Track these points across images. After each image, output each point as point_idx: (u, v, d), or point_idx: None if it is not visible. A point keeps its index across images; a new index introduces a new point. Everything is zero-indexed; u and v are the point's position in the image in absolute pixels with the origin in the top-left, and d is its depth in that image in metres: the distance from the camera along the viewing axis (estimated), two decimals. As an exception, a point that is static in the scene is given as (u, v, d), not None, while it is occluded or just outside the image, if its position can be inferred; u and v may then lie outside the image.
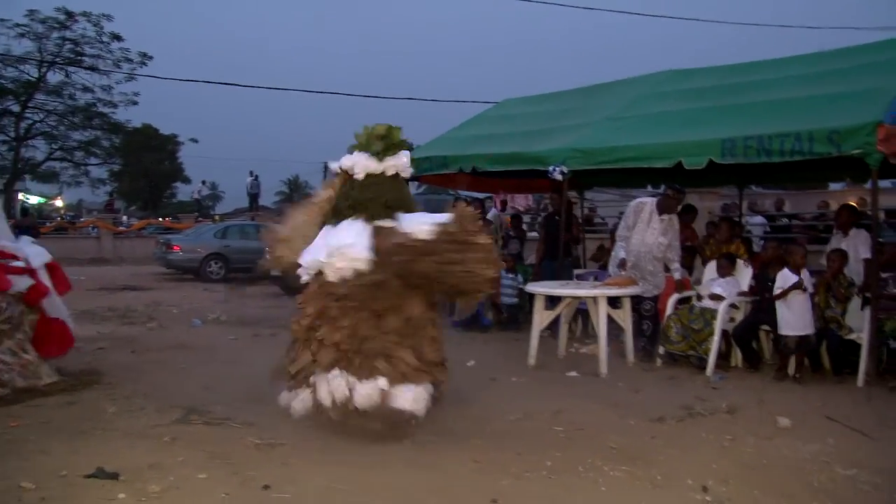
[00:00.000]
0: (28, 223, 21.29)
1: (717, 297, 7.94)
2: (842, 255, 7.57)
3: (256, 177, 36.04)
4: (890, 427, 5.68)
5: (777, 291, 7.35)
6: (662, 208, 8.34)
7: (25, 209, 26.47)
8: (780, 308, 7.33)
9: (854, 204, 10.40)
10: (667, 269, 8.39)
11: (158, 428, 5.33)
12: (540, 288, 8.18)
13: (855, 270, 7.79)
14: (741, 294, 8.01)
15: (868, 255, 7.59)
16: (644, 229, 8.30)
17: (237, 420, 5.52)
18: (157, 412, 5.74)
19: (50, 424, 5.44)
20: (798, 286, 7.22)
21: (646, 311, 8.32)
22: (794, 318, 7.31)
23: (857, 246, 7.93)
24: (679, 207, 8.65)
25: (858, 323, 7.18)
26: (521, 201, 16.99)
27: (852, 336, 7.20)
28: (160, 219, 39.55)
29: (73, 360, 7.34)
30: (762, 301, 7.80)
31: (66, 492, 4.11)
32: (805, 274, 7.33)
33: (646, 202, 8.49)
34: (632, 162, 8.51)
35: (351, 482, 4.31)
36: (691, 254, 9.44)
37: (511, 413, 5.92)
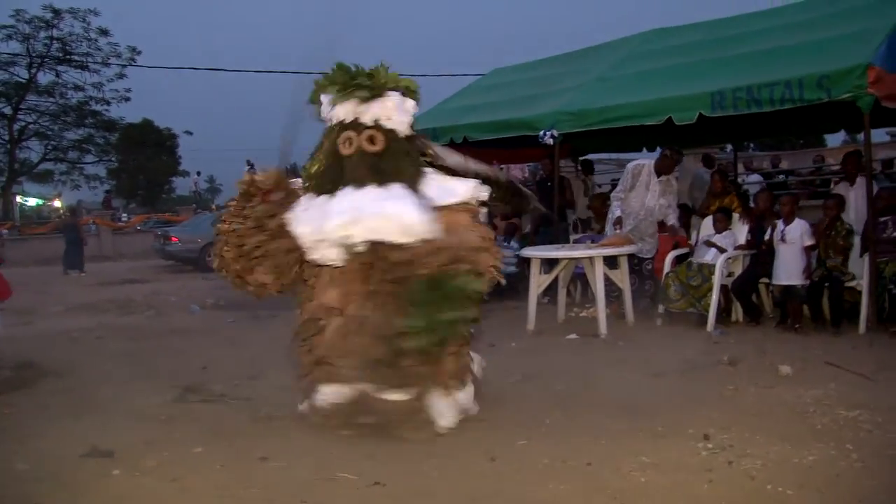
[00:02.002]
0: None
1: (713, 245, 7.90)
2: (837, 202, 7.48)
3: (252, 166, 35.86)
4: (890, 369, 5.66)
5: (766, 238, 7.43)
6: (660, 169, 8.31)
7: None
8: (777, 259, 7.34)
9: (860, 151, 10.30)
10: (661, 227, 8.36)
11: (155, 408, 5.32)
12: (535, 252, 8.14)
13: (863, 218, 7.69)
14: (738, 248, 7.95)
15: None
16: (644, 192, 8.31)
17: (234, 396, 5.50)
18: (153, 393, 5.71)
19: (46, 409, 5.43)
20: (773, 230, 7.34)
21: (647, 271, 8.29)
22: (780, 268, 7.38)
23: (865, 195, 7.83)
24: (676, 169, 8.59)
25: (860, 270, 7.14)
26: (516, 173, 16.95)
27: (853, 283, 7.15)
28: (159, 214, 39.51)
29: (70, 349, 7.32)
30: (760, 253, 7.75)
31: (61, 471, 4.09)
32: (796, 225, 7.30)
33: (643, 164, 8.48)
34: (622, 121, 8.48)
35: (349, 449, 4.29)
36: (687, 212, 9.38)
37: (510, 376, 5.89)
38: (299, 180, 4.92)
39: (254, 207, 4.72)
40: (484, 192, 4.80)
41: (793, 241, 7.29)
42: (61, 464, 4.20)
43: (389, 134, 4.69)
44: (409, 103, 4.85)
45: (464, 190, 4.73)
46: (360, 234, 4.39)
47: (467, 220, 4.66)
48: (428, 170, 4.82)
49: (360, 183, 4.54)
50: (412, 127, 4.89)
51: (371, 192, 4.51)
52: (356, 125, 4.68)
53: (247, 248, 4.69)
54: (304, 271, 4.79)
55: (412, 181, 4.63)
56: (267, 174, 4.82)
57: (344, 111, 4.72)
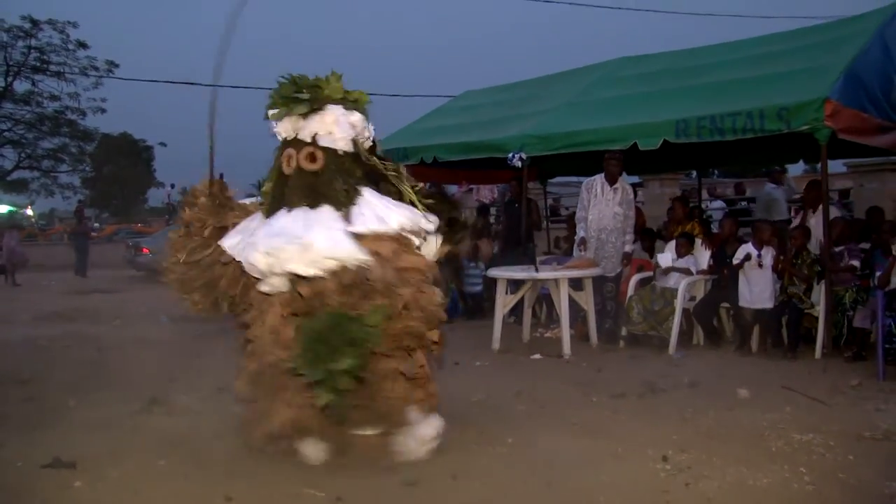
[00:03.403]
0: None
1: (676, 270, 8.06)
2: (804, 233, 7.65)
3: (222, 177, 35.67)
4: (844, 394, 5.83)
5: (734, 263, 7.54)
6: (608, 176, 8.47)
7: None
8: (741, 282, 7.50)
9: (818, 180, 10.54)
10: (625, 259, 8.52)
11: (119, 419, 5.31)
12: (501, 272, 8.24)
13: (814, 246, 7.88)
14: (700, 272, 8.11)
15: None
16: (600, 203, 8.42)
17: (200, 409, 5.51)
18: (118, 404, 5.70)
19: (9, 419, 5.41)
20: (748, 258, 7.43)
21: (608, 293, 8.41)
22: (752, 291, 7.49)
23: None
24: (622, 172, 8.72)
25: (819, 297, 7.32)
26: (486, 194, 17.05)
27: (813, 310, 7.33)
28: (131, 224, 39.25)
29: (36, 358, 7.27)
30: (721, 278, 7.91)
31: (21, 482, 4.11)
32: (767, 250, 7.47)
33: (594, 178, 8.63)
34: (588, 146, 8.60)
35: (314, 465, 4.29)
36: (651, 236, 9.55)
37: (473, 394, 5.96)
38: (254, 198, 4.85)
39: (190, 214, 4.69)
40: (427, 224, 4.51)
41: (767, 265, 7.46)
42: (22, 474, 4.20)
43: (328, 151, 4.42)
44: (355, 116, 4.54)
45: (399, 218, 4.35)
46: (276, 264, 4.12)
47: (392, 250, 4.25)
48: (366, 191, 4.44)
49: (292, 205, 4.35)
50: (360, 142, 4.60)
51: (298, 216, 4.27)
52: (296, 142, 4.46)
53: (186, 258, 4.65)
54: (248, 293, 4.51)
55: (343, 203, 4.32)
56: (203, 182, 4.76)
57: (285, 127, 4.51)
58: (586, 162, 10.66)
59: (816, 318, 7.29)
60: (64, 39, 36.93)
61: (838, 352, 7.13)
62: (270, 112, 4.54)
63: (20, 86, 37.75)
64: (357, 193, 4.41)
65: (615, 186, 8.44)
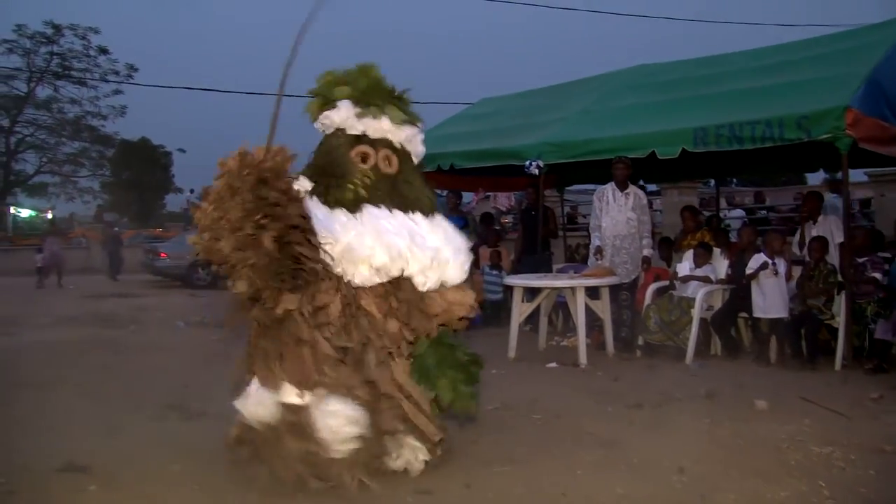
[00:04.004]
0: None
1: (694, 278, 8.00)
2: (822, 244, 7.59)
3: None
4: (864, 406, 5.75)
5: (748, 273, 7.50)
6: (618, 182, 8.44)
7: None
8: (754, 291, 7.43)
9: (820, 191, 10.49)
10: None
11: (133, 424, 5.31)
12: (518, 280, 8.22)
13: (832, 256, 7.82)
14: (719, 281, 8.05)
15: (842, 238, 7.65)
16: (613, 210, 8.39)
17: (214, 415, 5.49)
18: (133, 409, 5.71)
19: (24, 422, 5.42)
20: (764, 267, 7.37)
21: (623, 301, 8.36)
22: (766, 300, 7.45)
23: (830, 231, 7.97)
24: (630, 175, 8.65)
25: (839, 308, 7.24)
26: (503, 201, 17.03)
27: (833, 321, 7.25)
28: (149, 229, 39.57)
29: (52, 362, 7.31)
30: (739, 288, 7.85)
31: (35, 485, 4.10)
32: (780, 259, 7.41)
33: (605, 187, 8.61)
34: (606, 154, 8.57)
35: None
36: (668, 245, 9.49)
37: (488, 402, 5.88)
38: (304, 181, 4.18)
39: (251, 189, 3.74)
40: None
41: (782, 274, 7.42)
42: (39, 478, 4.20)
43: (406, 157, 4.46)
44: (421, 136, 4.59)
45: (461, 243, 4.44)
46: (404, 266, 4.08)
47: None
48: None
49: (385, 204, 4.20)
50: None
51: (414, 223, 4.24)
52: (376, 142, 4.36)
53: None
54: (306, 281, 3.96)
55: (429, 213, 4.38)
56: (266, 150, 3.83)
57: (369, 124, 4.34)
58: (604, 170, 10.62)
59: (836, 329, 7.21)
60: (85, 45, 37.51)
61: (858, 364, 7.04)
62: (348, 103, 4.32)
63: (42, 91, 38.36)
64: (435, 207, 4.48)
65: (626, 192, 8.40)
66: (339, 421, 3.89)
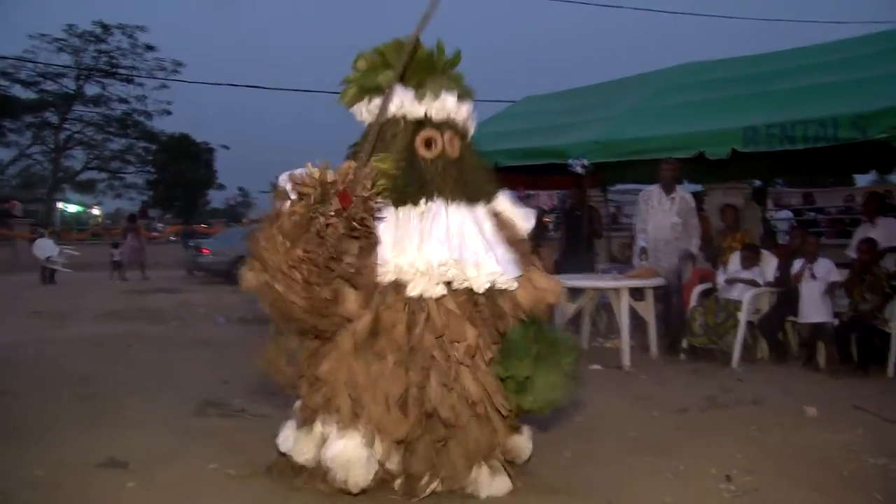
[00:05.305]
0: None
1: (740, 281, 7.83)
2: (871, 245, 7.40)
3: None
4: (920, 416, 5.55)
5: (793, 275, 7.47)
6: (664, 185, 8.35)
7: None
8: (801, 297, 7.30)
9: (881, 192, 10.24)
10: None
11: (174, 420, 5.34)
12: (561, 280, 8.09)
13: (888, 260, 7.64)
14: (768, 284, 7.87)
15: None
16: (657, 214, 8.29)
17: (253, 412, 5.50)
18: (173, 405, 5.74)
19: (69, 416, 5.45)
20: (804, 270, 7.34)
21: (671, 305, 8.24)
22: (806, 305, 7.34)
23: (887, 235, 7.75)
24: (679, 180, 8.65)
25: (892, 312, 7.04)
26: (545, 200, 16.94)
27: (886, 327, 7.04)
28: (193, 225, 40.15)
29: (97, 356, 7.37)
30: (787, 292, 7.66)
31: (78, 480, 4.12)
32: (822, 263, 7.36)
33: (651, 189, 8.53)
34: (653, 153, 8.42)
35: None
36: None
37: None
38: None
39: (332, 217, 3.40)
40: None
41: (821, 278, 7.25)
42: (78, 473, 4.22)
43: (466, 141, 4.05)
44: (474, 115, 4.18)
45: (525, 219, 4.21)
46: (468, 278, 3.72)
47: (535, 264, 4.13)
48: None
49: (449, 197, 3.84)
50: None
51: (467, 220, 3.84)
52: (441, 125, 3.94)
53: (321, 290, 3.54)
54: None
55: (490, 200, 4.07)
56: (339, 170, 3.49)
57: (432, 105, 3.90)
58: (649, 170, 10.47)
59: (888, 335, 7.01)
60: (133, 43, 38.20)
61: (912, 371, 6.83)
62: (420, 86, 3.91)
63: (90, 89, 39.16)
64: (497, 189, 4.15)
65: (671, 196, 8.28)
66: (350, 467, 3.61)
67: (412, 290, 3.67)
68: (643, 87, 10.35)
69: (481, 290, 3.75)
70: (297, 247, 3.40)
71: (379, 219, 3.65)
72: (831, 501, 3.87)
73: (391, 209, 3.75)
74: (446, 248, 3.67)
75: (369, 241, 3.59)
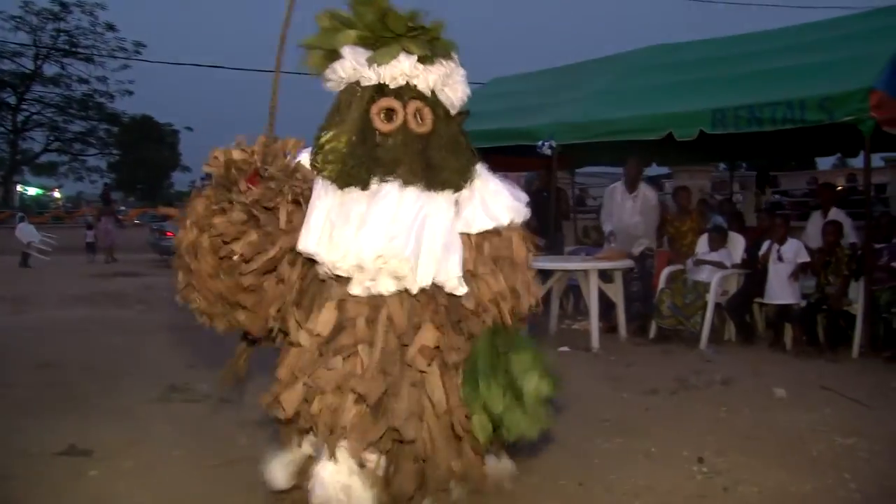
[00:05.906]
0: None
1: (707, 262, 7.86)
2: (836, 228, 7.45)
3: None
4: (886, 396, 5.62)
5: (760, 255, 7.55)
6: (628, 184, 8.46)
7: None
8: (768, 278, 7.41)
9: (834, 184, 10.35)
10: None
11: (137, 406, 5.24)
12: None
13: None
14: (734, 266, 7.90)
15: (851, 235, 7.63)
16: (620, 210, 8.41)
17: (219, 397, 5.40)
18: (137, 390, 5.63)
19: (28, 403, 5.33)
20: (769, 252, 7.40)
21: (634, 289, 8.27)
22: (773, 287, 7.41)
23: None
24: (641, 177, 8.71)
25: (855, 295, 7.11)
26: (514, 181, 16.88)
27: (851, 308, 7.11)
28: (156, 208, 39.73)
29: (58, 341, 7.22)
30: (754, 273, 7.71)
31: (33, 470, 4.01)
32: (790, 244, 7.41)
33: (615, 185, 8.68)
34: (621, 135, 8.43)
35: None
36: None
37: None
38: (305, 154, 3.39)
39: (237, 199, 3.19)
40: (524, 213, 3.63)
41: (788, 260, 7.29)
42: (38, 462, 4.12)
43: (440, 111, 3.37)
44: (462, 73, 3.48)
45: (509, 210, 3.52)
46: (401, 276, 3.19)
47: (521, 251, 3.54)
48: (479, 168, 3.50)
49: (404, 179, 3.22)
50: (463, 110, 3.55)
51: (415, 205, 3.22)
52: (402, 92, 3.30)
53: (230, 265, 3.26)
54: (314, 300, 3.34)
55: (459, 186, 3.37)
56: (248, 148, 3.30)
57: (386, 70, 3.26)
58: (616, 153, 10.49)
59: (852, 317, 7.08)
60: (92, 22, 37.52)
61: (875, 352, 6.90)
62: (353, 47, 3.31)
63: (49, 69, 38.44)
64: (475, 169, 3.46)
65: (634, 194, 8.36)
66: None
67: (353, 288, 3.22)
68: (612, 68, 10.31)
69: (414, 291, 3.21)
70: (204, 234, 3.19)
71: (298, 202, 3.25)
72: (802, 481, 3.87)
73: (334, 190, 3.22)
74: (383, 237, 3.13)
75: (276, 229, 3.21)
